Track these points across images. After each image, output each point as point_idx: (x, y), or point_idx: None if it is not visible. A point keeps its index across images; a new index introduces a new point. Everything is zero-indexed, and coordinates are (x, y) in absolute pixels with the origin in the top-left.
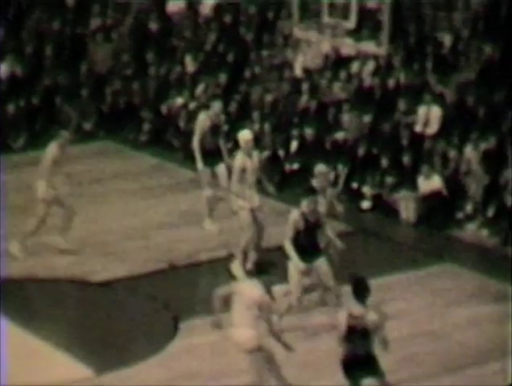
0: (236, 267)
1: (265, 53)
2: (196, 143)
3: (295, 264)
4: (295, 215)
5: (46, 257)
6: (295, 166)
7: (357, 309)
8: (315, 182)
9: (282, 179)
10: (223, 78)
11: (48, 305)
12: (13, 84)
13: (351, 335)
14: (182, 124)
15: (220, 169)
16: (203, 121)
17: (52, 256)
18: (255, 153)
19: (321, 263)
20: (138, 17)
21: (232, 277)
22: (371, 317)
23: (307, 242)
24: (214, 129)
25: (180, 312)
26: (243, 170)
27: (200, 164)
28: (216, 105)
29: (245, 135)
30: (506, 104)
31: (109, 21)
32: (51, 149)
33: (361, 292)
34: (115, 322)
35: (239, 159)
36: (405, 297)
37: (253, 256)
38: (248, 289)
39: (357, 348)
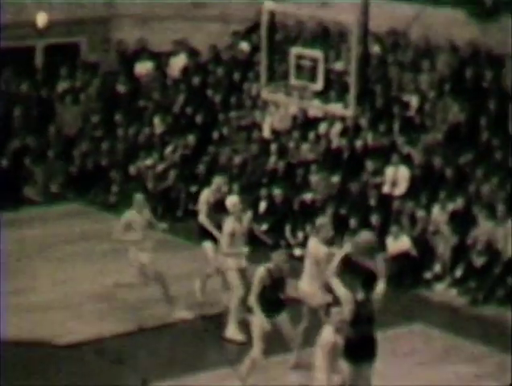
0: (232, 331)
1: (233, 114)
2: (203, 218)
3: (259, 320)
4: (261, 271)
5: (12, 318)
6: (264, 226)
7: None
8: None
9: (251, 239)
10: (191, 139)
11: (12, 369)
12: None
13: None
14: (150, 185)
15: (207, 244)
16: (206, 196)
17: (18, 318)
18: (245, 216)
19: (283, 319)
20: (106, 79)
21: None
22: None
23: (272, 297)
24: (218, 206)
25: (149, 375)
26: (232, 234)
27: (217, 233)
28: (218, 181)
29: (232, 200)
30: (473, 165)
31: (78, 83)
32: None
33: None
34: (82, 384)
35: (229, 224)
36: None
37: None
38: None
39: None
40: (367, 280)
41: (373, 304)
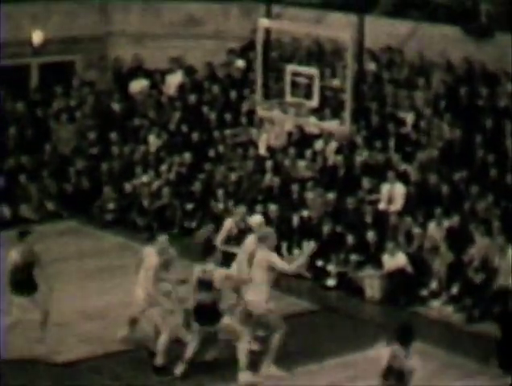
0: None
1: (228, 132)
2: (220, 242)
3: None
4: (197, 270)
5: (8, 337)
6: None
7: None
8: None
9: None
10: (187, 157)
11: None
12: None
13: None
14: (146, 203)
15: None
16: (229, 225)
17: (14, 336)
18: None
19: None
20: (101, 97)
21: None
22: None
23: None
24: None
25: None
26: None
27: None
28: (241, 210)
29: (257, 219)
30: (468, 182)
31: (73, 101)
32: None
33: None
34: None
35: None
36: (370, 375)
37: None
38: None
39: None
40: None
41: None
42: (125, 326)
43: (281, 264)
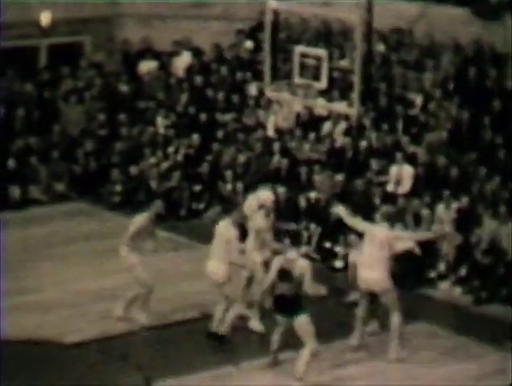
0: (255, 323)
1: (236, 113)
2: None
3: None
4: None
5: (17, 318)
6: None
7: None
8: None
9: None
10: (195, 139)
11: (19, 367)
12: None
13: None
14: (153, 184)
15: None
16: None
17: (23, 317)
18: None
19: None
20: (109, 78)
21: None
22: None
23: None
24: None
25: (153, 373)
26: (260, 230)
27: None
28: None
29: (265, 195)
30: (476, 164)
31: (81, 83)
32: (139, 219)
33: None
34: (87, 383)
35: (259, 219)
36: (378, 356)
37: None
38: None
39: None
40: None
41: None
42: (122, 305)
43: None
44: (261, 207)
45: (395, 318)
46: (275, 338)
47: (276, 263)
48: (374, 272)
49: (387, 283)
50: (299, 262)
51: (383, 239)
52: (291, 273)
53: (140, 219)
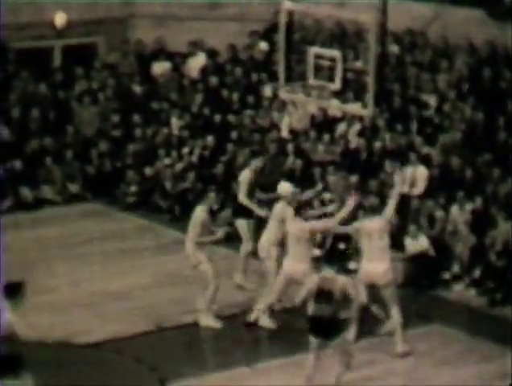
0: (265, 321)
1: (251, 114)
2: (243, 197)
3: None
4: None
5: (31, 318)
6: None
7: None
8: None
9: None
10: (210, 140)
11: (32, 368)
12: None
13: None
14: (168, 185)
15: (241, 223)
16: (246, 176)
17: (38, 317)
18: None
19: None
20: (123, 79)
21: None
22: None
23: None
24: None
25: (167, 374)
26: (281, 220)
27: (260, 211)
28: (256, 162)
29: (285, 186)
30: (490, 166)
31: (95, 83)
32: (199, 213)
33: None
34: (100, 384)
35: (280, 208)
36: (392, 358)
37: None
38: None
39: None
40: None
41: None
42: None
43: None
44: (280, 198)
45: (396, 313)
46: (310, 364)
47: (311, 283)
48: (378, 264)
49: (390, 275)
50: (340, 279)
51: (380, 227)
52: (331, 293)
53: (200, 215)
